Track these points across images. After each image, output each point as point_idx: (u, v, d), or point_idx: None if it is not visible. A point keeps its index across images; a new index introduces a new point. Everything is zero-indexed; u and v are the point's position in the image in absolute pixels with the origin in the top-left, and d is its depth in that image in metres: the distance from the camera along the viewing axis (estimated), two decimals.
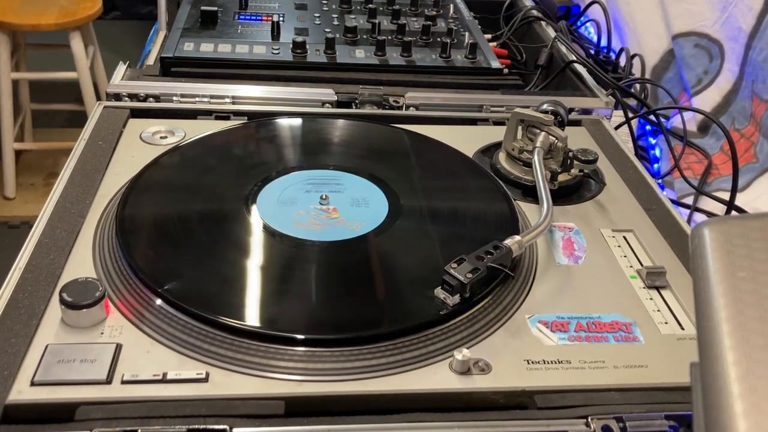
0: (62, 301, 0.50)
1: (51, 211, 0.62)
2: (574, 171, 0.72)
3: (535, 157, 0.69)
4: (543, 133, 0.71)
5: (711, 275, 0.30)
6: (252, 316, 0.52)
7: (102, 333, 0.51)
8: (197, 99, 0.83)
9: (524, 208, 0.69)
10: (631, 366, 0.52)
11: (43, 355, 0.48)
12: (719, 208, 0.90)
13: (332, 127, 0.80)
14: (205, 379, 0.48)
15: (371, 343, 0.51)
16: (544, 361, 0.52)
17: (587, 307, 0.57)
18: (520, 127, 0.74)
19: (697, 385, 0.29)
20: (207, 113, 0.81)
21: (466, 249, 0.56)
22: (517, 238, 0.58)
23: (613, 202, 0.72)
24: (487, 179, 0.71)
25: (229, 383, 0.48)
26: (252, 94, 0.85)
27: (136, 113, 0.80)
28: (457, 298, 0.53)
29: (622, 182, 0.75)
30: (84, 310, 0.50)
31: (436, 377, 0.50)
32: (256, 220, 0.62)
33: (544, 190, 0.65)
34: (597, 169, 0.75)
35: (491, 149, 0.79)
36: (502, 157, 0.75)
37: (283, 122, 0.80)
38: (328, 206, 0.64)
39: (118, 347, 0.49)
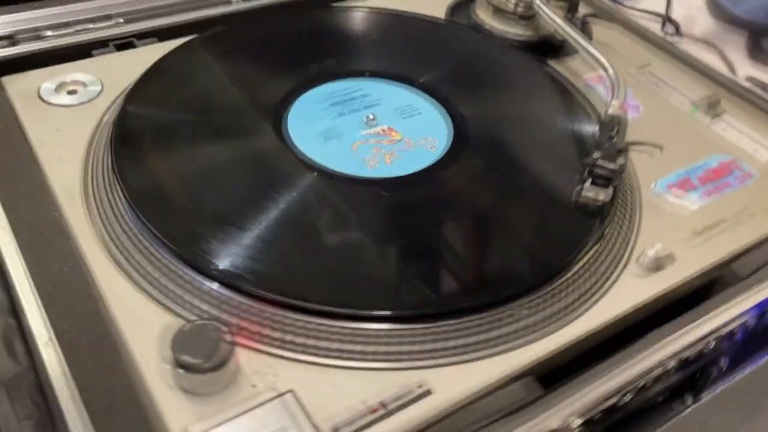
0: (183, 365, 0.34)
1: (19, 250, 0.41)
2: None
3: (543, 6, 0.60)
4: None
5: None
6: (449, 290, 0.41)
7: (254, 386, 0.36)
8: (74, 29, 0.60)
9: None
10: None
11: None
12: None
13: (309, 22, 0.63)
14: (428, 392, 0.37)
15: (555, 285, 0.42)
16: (704, 228, 0.48)
17: (685, 158, 0.54)
18: None
19: None
20: (101, 44, 0.59)
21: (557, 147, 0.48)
22: (614, 102, 0.51)
23: (613, 40, 0.67)
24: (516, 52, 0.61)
25: (452, 381, 0.37)
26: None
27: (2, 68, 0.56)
28: (610, 192, 0.46)
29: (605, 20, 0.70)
30: (222, 369, 0.35)
31: (628, 294, 0.43)
32: (321, 171, 0.47)
33: (581, 40, 0.57)
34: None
35: (464, 4, 0.68)
36: (482, 11, 0.65)
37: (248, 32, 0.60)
38: (382, 127, 0.51)
39: (294, 396, 0.36)
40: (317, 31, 0.61)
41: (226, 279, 0.38)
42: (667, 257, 0.45)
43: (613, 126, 0.49)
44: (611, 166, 0.46)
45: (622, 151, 0.47)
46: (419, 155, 0.49)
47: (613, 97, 0.52)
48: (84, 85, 0.54)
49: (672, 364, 0.40)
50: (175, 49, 0.56)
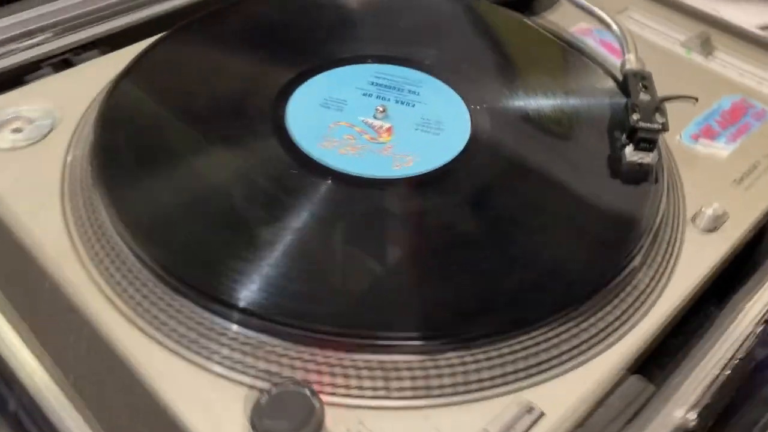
0: None
1: (21, 343, 0.34)
2: None
3: None
4: None
5: None
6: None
7: None
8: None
9: None
10: None
11: None
12: None
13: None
14: (542, 414, 0.33)
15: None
16: (742, 175, 0.46)
17: (697, 104, 0.52)
18: None
19: None
20: (32, 67, 0.51)
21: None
22: (629, 56, 0.48)
23: None
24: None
25: (556, 396, 0.34)
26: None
27: None
28: (655, 154, 0.43)
29: None
30: None
31: (699, 258, 0.40)
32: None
33: None
34: None
35: None
36: None
37: None
38: (382, 123, 0.45)
39: None
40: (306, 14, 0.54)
41: (294, 329, 0.33)
42: (722, 213, 0.42)
43: (637, 82, 0.46)
44: (655, 126, 0.43)
45: (658, 107, 0.44)
46: (378, 165, 0.42)
47: (624, 51, 0.49)
48: (29, 120, 0.46)
49: (760, 328, 0.38)
50: (146, 49, 0.48)
